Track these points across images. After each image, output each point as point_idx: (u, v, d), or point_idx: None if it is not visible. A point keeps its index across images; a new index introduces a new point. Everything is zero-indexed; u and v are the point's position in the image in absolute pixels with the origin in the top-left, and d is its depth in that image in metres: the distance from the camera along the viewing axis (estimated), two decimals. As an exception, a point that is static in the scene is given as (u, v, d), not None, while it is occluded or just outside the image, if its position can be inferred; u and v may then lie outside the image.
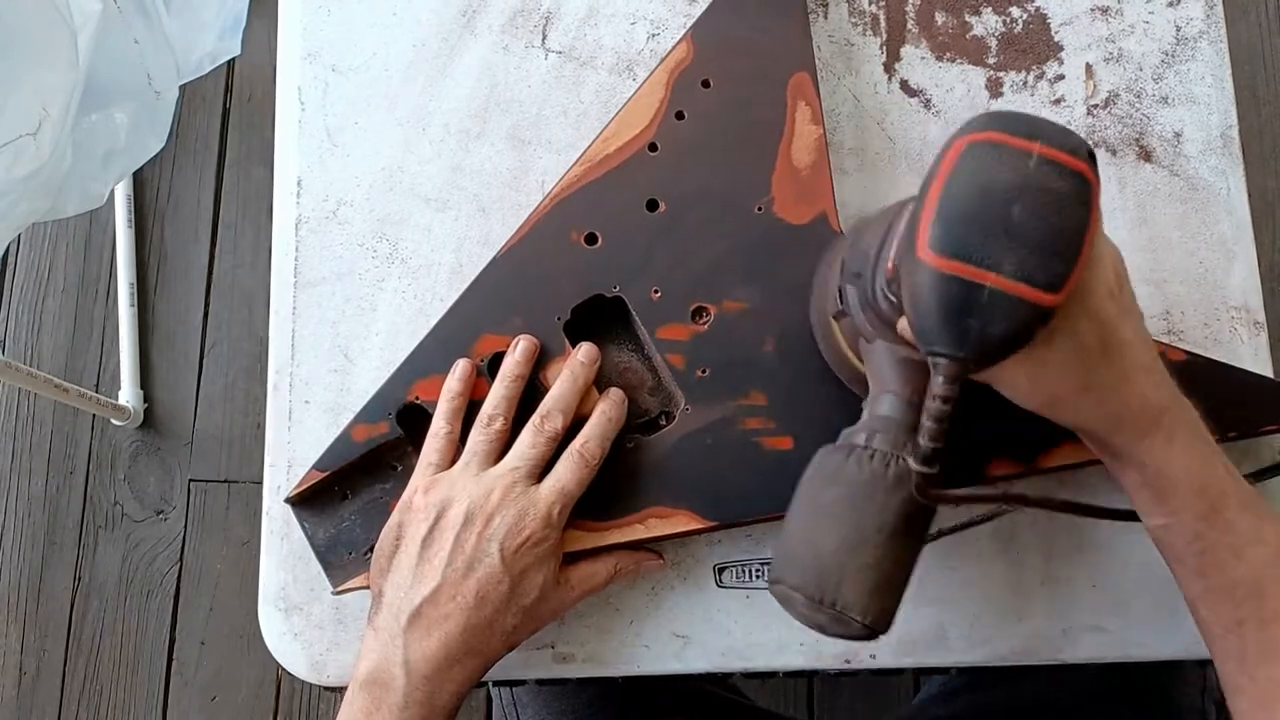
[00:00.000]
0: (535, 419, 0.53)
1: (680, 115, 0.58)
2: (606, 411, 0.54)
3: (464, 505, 0.50)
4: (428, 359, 0.56)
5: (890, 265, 0.42)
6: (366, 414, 0.56)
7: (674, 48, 0.59)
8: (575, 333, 0.56)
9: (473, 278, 0.57)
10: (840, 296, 0.50)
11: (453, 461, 0.53)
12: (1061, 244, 0.37)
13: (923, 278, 0.38)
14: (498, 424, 0.53)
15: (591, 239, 0.57)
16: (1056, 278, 0.37)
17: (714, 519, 0.54)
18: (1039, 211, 0.37)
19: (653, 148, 0.58)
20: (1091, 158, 0.38)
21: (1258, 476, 0.55)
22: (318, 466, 0.56)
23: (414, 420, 0.56)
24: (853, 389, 0.54)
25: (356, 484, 0.57)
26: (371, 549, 0.56)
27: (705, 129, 0.58)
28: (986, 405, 0.47)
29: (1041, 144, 0.37)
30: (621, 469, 0.55)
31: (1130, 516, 0.48)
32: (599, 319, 0.58)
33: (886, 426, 0.45)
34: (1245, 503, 0.44)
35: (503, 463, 0.52)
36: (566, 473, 0.52)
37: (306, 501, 0.57)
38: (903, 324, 0.43)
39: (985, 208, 0.37)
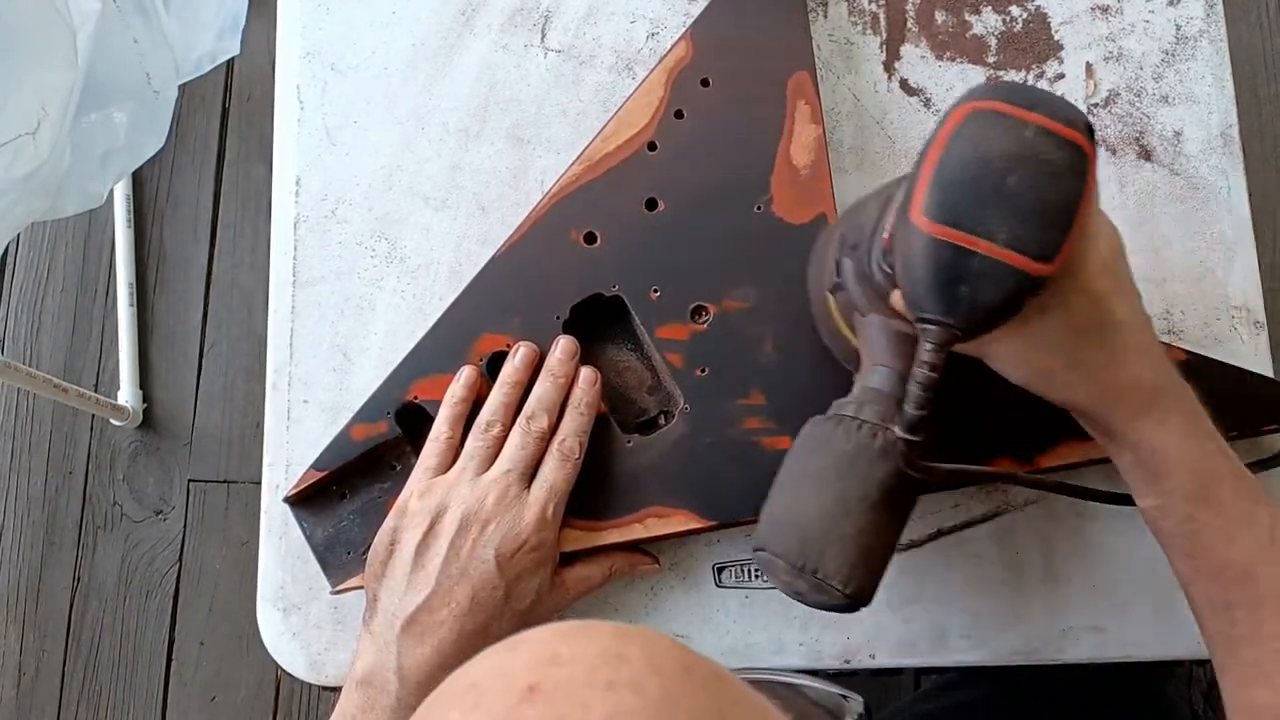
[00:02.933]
0: (521, 420, 0.53)
1: (680, 114, 0.58)
2: (577, 404, 0.54)
3: (459, 511, 0.50)
4: (426, 358, 0.56)
5: (886, 236, 0.42)
6: (365, 413, 0.56)
7: (673, 46, 0.59)
8: (574, 332, 0.56)
9: (472, 277, 0.57)
10: (837, 269, 0.50)
11: (451, 466, 0.53)
12: (1055, 213, 0.37)
13: (915, 243, 0.38)
14: (495, 430, 0.53)
15: (591, 238, 0.57)
16: (1049, 247, 0.37)
17: (713, 519, 0.54)
18: (1034, 181, 0.37)
19: (652, 147, 0.58)
20: (1089, 130, 0.38)
21: (1260, 466, 0.54)
22: (316, 466, 0.56)
23: (413, 420, 0.56)
24: (847, 366, 0.53)
25: (355, 484, 0.57)
26: (370, 549, 0.56)
27: (704, 128, 0.58)
28: (985, 404, 0.47)
29: (1040, 114, 0.37)
30: (620, 469, 0.54)
31: (1122, 500, 0.48)
32: (598, 318, 0.58)
33: (876, 398, 0.46)
34: (1239, 487, 0.44)
35: (495, 466, 0.52)
36: (551, 472, 0.52)
37: (305, 501, 0.57)
38: (896, 297, 0.43)
39: (981, 175, 0.37)
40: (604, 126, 0.58)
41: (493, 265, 0.57)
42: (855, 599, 0.44)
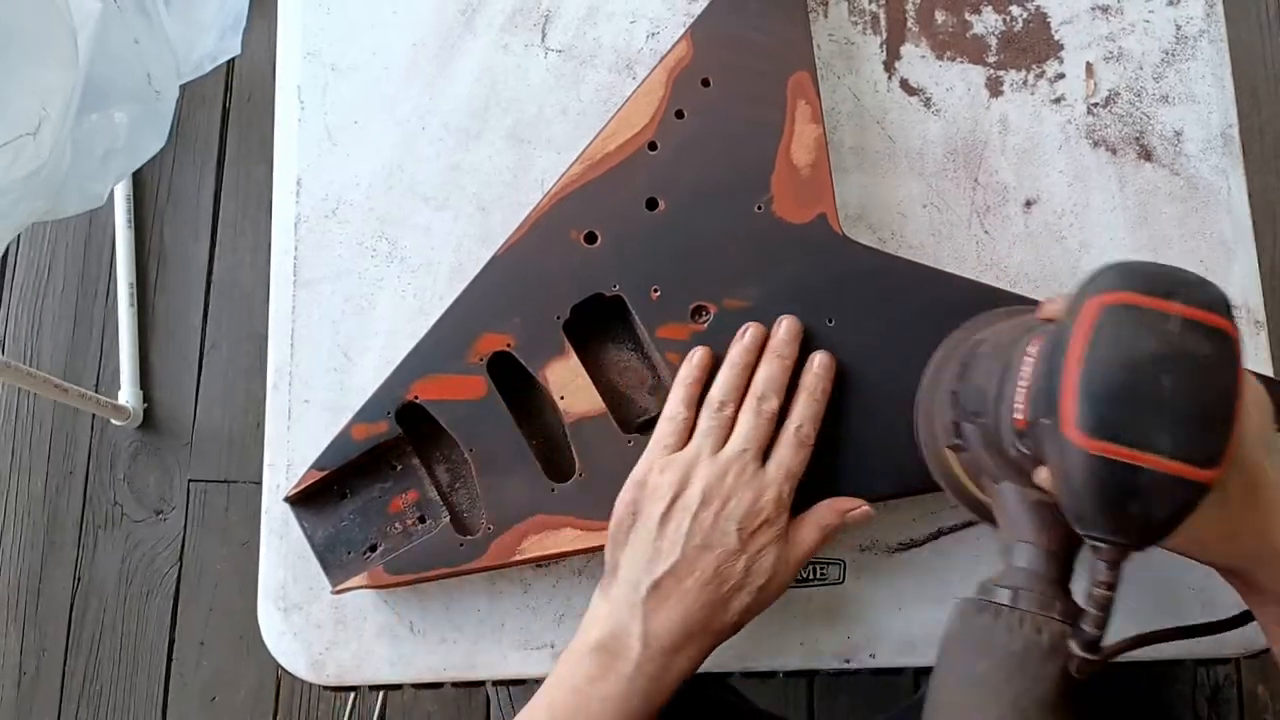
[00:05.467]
0: (751, 401, 0.53)
1: (680, 114, 0.58)
2: (813, 390, 0.54)
3: (700, 486, 0.51)
4: (427, 358, 0.56)
5: (1021, 419, 0.40)
6: (366, 413, 0.56)
7: (673, 46, 0.59)
8: (574, 331, 0.56)
9: (472, 276, 0.57)
10: (956, 430, 0.48)
11: (684, 445, 0.53)
12: (1216, 413, 0.35)
13: (1074, 460, 0.36)
14: (728, 409, 0.53)
15: (591, 238, 0.57)
16: (1215, 451, 0.35)
17: None
18: (1189, 381, 0.35)
19: (652, 146, 0.58)
20: (1229, 309, 0.36)
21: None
22: (317, 465, 0.56)
23: (413, 419, 0.56)
24: (973, 515, 0.52)
25: (356, 483, 0.57)
26: (371, 548, 0.56)
27: (705, 128, 0.58)
28: None
29: (1179, 303, 0.36)
30: (621, 468, 0.54)
31: (1243, 620, 0.46)
32: (598, 318, 0.58)
33: (1030, 582, 0.43)
34: None
35: (730, 445, 0.52)
36: (787, 456, 0.52)
37: (305, 501, 0.57)
38: (1041, 474, 0.41)
39: (1133, 382, 0.35)
40: (604, 126, 0.58)
41: (493, 265, 0.57)
42: None
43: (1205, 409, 0.35)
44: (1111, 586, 0.37)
